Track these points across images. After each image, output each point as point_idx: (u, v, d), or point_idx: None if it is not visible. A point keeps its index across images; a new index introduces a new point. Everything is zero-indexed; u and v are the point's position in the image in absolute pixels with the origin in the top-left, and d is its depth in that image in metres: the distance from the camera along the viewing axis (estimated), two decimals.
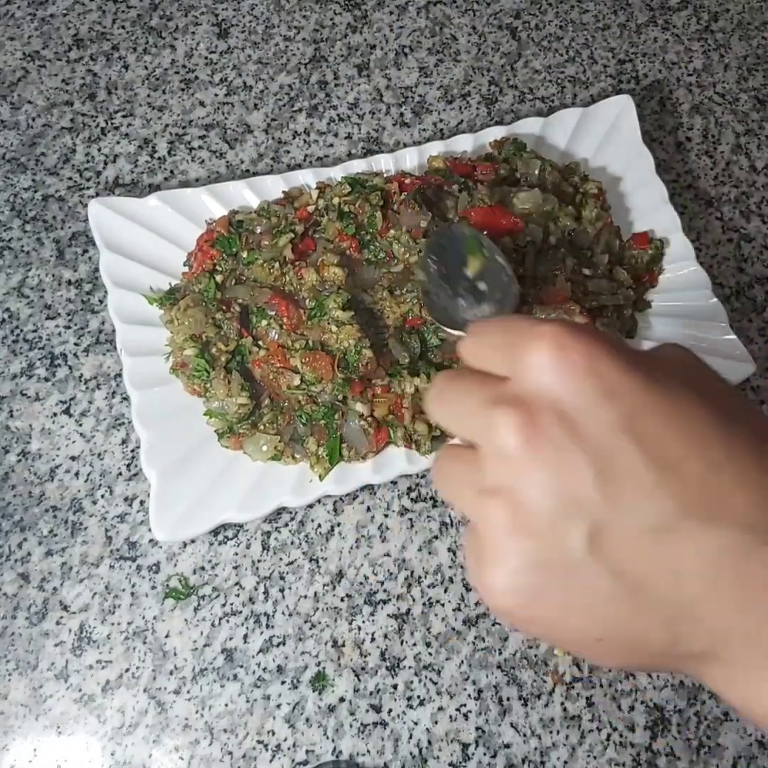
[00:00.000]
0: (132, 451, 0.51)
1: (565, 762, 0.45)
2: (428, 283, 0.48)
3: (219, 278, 0.52)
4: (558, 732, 0.46)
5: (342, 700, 0.46)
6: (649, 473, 0.23)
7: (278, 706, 0.46)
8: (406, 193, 0.53)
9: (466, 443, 0.28)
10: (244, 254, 0.53)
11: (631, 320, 0.54)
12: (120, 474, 0.51)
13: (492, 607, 0.26)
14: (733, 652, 0.24)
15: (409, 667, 0.47)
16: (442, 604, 0.49)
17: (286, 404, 0.49)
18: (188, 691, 0.46)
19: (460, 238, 0.49)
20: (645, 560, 0.24)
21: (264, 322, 0.50)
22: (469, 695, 0.47)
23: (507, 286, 0.46)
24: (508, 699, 0.47)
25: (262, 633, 0.47)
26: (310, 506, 0.50)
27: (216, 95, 0.65)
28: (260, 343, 0.50)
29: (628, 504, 0.24)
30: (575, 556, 0.24)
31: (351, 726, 0.46)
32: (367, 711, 0.46)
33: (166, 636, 0.47)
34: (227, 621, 0.47)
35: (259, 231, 0.54)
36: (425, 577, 0.49)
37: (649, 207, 0.58)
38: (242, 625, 0.47)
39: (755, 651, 0.24)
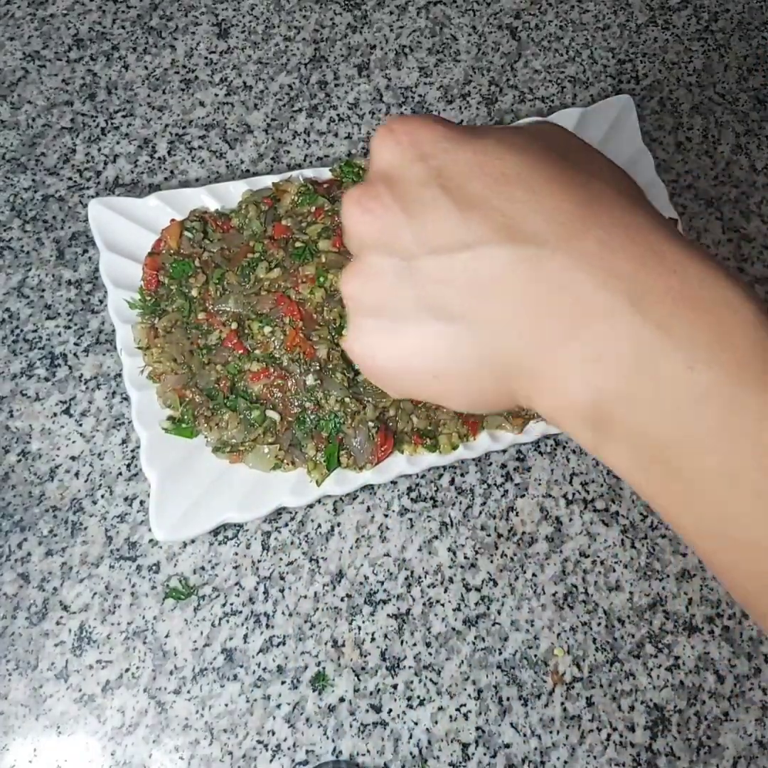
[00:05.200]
0: (132, 451, 0.51)
1: (565, 762, 0.45)
2: None
3: (195, 293, 0.51)
4: (558, 732, 0.46)
5: (342, 700, 0.46)
6: (453, 210, 0.27)
7: (278, 706, 0.46)
8: None
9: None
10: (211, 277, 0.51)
11: None
12: (120, 474, 0.51)
13: (367, 373, 0.30)
14: (543, 359, 0.26)
15: (409, 667, 0.47)
16: (442, 604, 0.49)
17: (285, 416, 0.49)
18: (188, 691, 0.46)
19: None
20: (453, 286, 0.27)
21: (267, 329, 0.50)
22: (469, 695, 0.47)
23: None
24: (508, 699, 0.47)
25: (262, 633, 0.47)
26: (310, 506, 0.50)
27: (216, 95, 0.65)
28: (258, 352, 0.49)
29: (434, 234, 0.27)
30: (398, 294, 0.28)
31: (351, 726, 0.46)
32: (367, 711, 0.46)
33: (166, 636, 0.47)
34: (227, 621, 0.47)
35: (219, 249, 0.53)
36: (425, 577, 0.49)
37: None
38: (242, 625, 0.47)
39: (559, 350, 0.26)
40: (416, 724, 0.46)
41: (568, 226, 0.26)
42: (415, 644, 0.48)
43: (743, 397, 0.24)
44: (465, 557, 0.50)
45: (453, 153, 0.28)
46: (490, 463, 0.52)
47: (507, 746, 0.46)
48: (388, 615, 0.48)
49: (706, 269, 0.25)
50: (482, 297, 0.26)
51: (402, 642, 0.48)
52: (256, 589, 0.48)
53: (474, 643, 0.48)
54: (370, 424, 0.48)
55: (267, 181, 0.56)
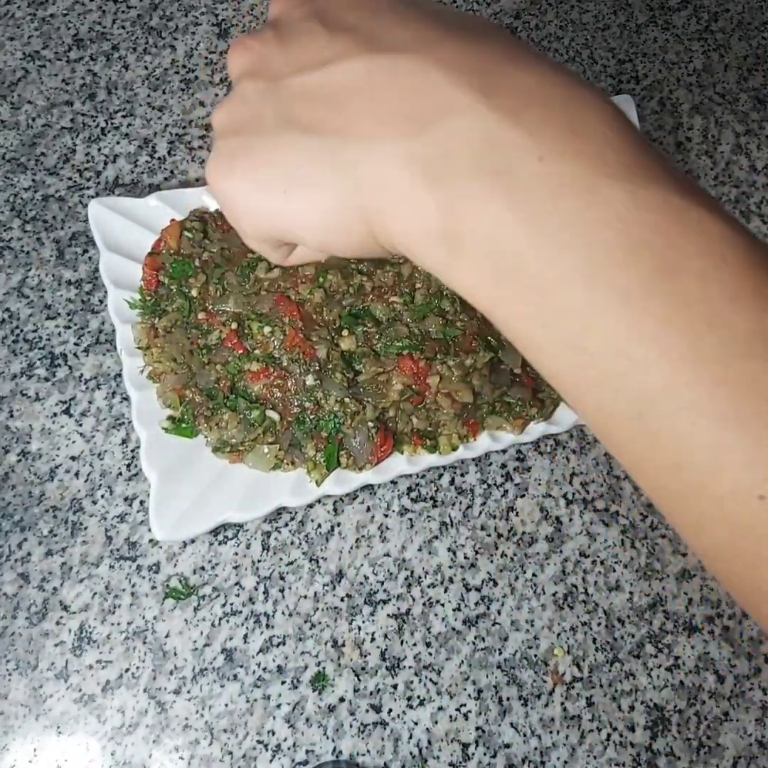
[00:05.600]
0: (132, 451, 0.51)
1: (565, 762, 0.45)
2: None
3: (195, 292, 0.51)
4: (558, 732, 0.46)
5: (342, 700, 0.46)
6: (323, 34, 0.28)
7: (278, 706, 0.46)
8: None
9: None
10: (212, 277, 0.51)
11: None
12: (120, 474, 0.51)
13: (221, 198, 0.30)
14: (392, 166, 0.25)
15: (409, 667, 0.47)
16: (442, 604, 0.49)
17: (285, 416, 0.49)
18: (188, 691, 0.46)
19: None
20: (312, 99, 0.27)
21: (267, 330, 0.49)
22: (469, 695, 0.47)
23: None
24: (508, 699, 0.47)
25: (262, 633, 0.47)
26: (310, 506, 0.50)
27: (216, 95, 0.65)
28: (258, 352, 0.49)
29: (301, 55, 0.28)
30: (259, 112, 0.28)
31: (351, 726, 0.46)
32: (367, 711, 0.46)
33: (166, 636, 0.47)
34: (227, 621, 0.47)
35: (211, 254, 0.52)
36: (425, 577, 0.49)
37: None
38: (242, 625, 0.47)
39: (409, 152, 0.25)
40: (416, 724, 0.46)
41: (429, 37, 0.26)
42: (415, 644, 0.48)
43: (604, 188, 0.22)
44: (465, 557, 0.50)
45: None
46: (490, 463, 0.53)
47: (507, 746, 0.46)
48: (388, 615, 0.48)
49: (562, 73, 0.25)
50: (338, 106, 0.26)
51: (402, 642, 0.48)
52: (256, 589, 0.48)
53: (474, 643, 0.48)
54: (370, 424, 0.48)
55: None
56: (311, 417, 0.48)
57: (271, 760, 0.45)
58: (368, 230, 0.27)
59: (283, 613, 0.48)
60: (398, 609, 0.48)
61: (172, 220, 0.54)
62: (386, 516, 0.51)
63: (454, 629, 0.48)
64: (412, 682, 0.47)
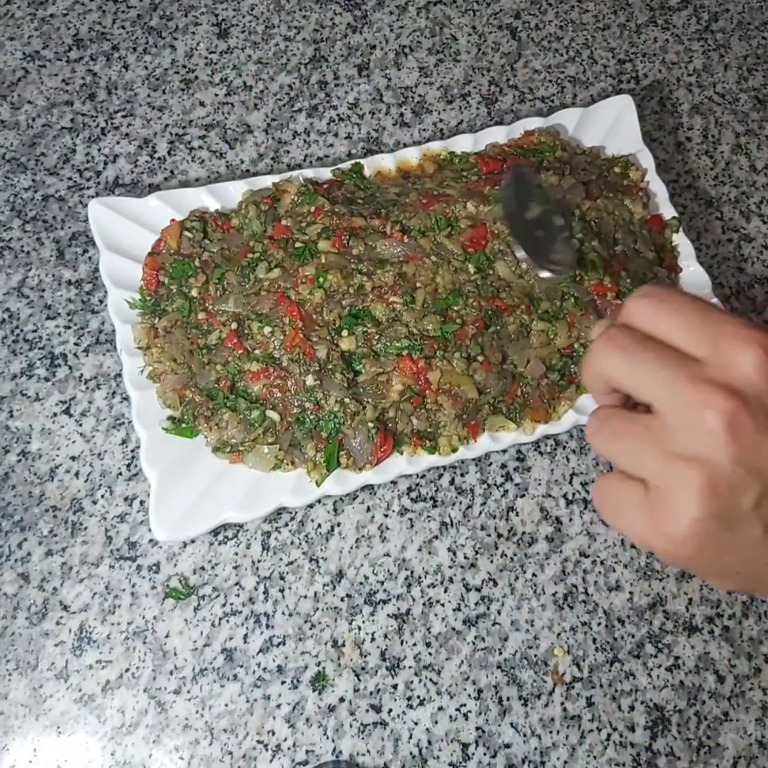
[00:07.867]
0: (132, 451, 0.51)
1: (565, 762, 0.45)
2: (507, 217, 0.50)
3: (195, 292, 0.51)
4: (558, 732, 0.46)
5: (342, 700, 0.46)
6: None
7: (278, 706, 0.46)
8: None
9: (628, 404, 0.34)
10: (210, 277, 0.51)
11: None
12: (120, 474, 0.51)
13: (659, 550, 0.32)
14: None
15: (409, 667, 0.47)
16: (442, 604, 0.49)
17: (285, 416, 0.49)
18: (188, 691, 0.46)
19: (529, 182, 0.52)
20: None
21: (267, 330, 0.50)
22: (469, 695, 0.47)
23: (563, 244, 0.49)
24: (508, 699, 0.47)
25: (262, 633, 0.47)
26: (310, 506, 0.50)
27: (216, 95, 0.65)
28: (258, 352, 0.50)
29: None
30: (742, 511, 0.30)
31: (351, 726, 0.46)
32: (367, 711, 0.46)
33: (166, 636, 0.47)
34: (227, 621, 0.47)
35: (218, 250, 0.53)
36: (425, 577, 0.49)
37: (649, 207, 0.58)
38: (242, 625, 0.47)
39: None
40: (416, 724, 0.46)
41: None
42: (415, 644, 0.48)
43: None
44: (465, 557, 0.50)
45: None
46: (490, 463, 0.53)
47: (507, 746, 0.46)
48: (388, 615, 0.48)
49: None
50: None
51: (402, 642, 0.48)
52: (256, 589, 0.48)
53: (474, 643, 0.48)
54: (370, 424, 0.48)
55: (267, 181, 0.56)
56: (311, 417, 0.48)
57: (271, 760, 0.45)
58: None
59: (283, 613, 0.48)
60: (398, 609, 0.48)
61: (172, 220, 0.54)
62: (386, 516, 0.51)
63: (454, 629, 0.48)
64: (412, 682, 0.47)
